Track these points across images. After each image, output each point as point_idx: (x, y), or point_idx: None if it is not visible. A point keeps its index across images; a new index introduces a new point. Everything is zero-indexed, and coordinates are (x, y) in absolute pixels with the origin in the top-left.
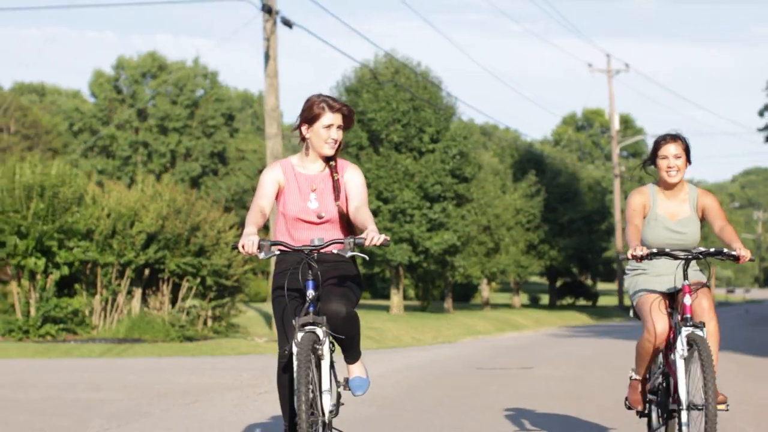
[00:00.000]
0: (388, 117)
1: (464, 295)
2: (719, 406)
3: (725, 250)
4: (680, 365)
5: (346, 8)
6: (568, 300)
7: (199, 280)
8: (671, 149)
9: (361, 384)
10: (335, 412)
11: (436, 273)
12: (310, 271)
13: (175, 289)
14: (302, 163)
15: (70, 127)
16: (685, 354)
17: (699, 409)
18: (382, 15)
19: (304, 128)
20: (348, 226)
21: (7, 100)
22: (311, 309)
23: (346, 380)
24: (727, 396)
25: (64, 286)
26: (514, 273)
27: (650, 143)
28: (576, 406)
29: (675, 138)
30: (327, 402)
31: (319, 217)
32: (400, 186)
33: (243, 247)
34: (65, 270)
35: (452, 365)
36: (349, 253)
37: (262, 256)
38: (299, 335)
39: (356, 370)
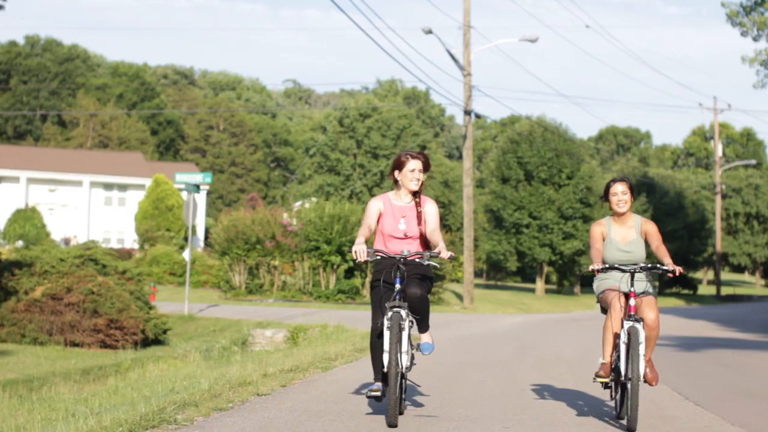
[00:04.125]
0: (538, 161)
1: (591, 283)
2: (651, 383)
3: (658, 264)
4: (623, 349)
5: (508, 90)
6: (675, 289)
7: None
8: (619, 188)
9: (427, 347)
10: (410, 367)
11: (568, 267)
12: (398, 271)
13: None
14: (396, 197)
15: (307, 151)
16: (626, 341)
17: (629, 380)
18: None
19: (396, 173)
20: (424, 241)
21: (219, 102)
22: (398, 297)
23: (418, 344)
24: (658, 375)
25: (349, 272)
26: None
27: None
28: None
29: (622, 180)
30: (405, 359)
31: (405, 235)
32: (545, 208)
33: (356, 253)
34: (350, 263)
35: (559, 318)
36: (426, 262)
37: (369, 259)
38: (390, 313)
39: (425, 337)
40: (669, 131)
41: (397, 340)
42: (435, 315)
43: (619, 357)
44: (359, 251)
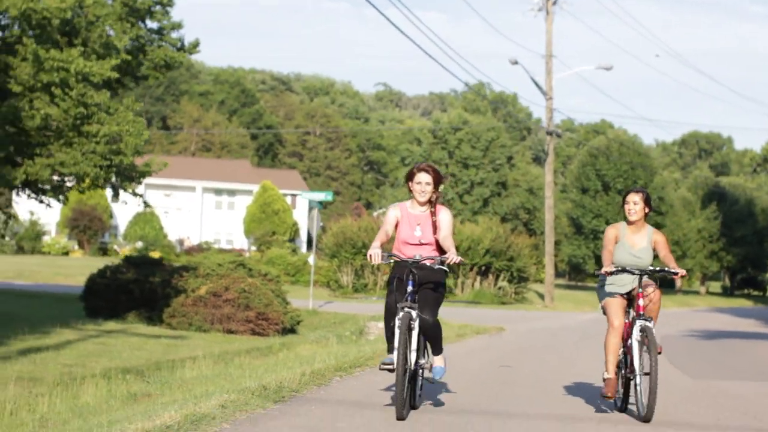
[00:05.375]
0: (614, 173)
1: (663, 284)
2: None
3: (666, 268)
4: (635, 346)
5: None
6: (746, 290)
7: (509, 272)
8: (632, 197)
9: (439, 371)
10: (423, 365)
11: None
12: (411, 274)
13: (496, 277)
14: (412, 206)
15: (402, 161)
16: (639, 338)
17: (647, 374)
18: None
19: (410, 184)
20: (439, 248)
21: (316, 109)
22: (409, 298)
23: (431, 367)
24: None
25: None
26: (699, 271)
27: None
28: None
29: (637, 191)
30: (414, 356)
31: (420, 242)
32: (621, 217)
33: (371, 257)
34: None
35: None
36: (436, 266)
37: (383, 262)
38: (401, 313)
39: (438, 360)
40: (752, 135)
41: (405, 340)
42: (518, 312)
43: (625, 357)
44: (374, 255)
